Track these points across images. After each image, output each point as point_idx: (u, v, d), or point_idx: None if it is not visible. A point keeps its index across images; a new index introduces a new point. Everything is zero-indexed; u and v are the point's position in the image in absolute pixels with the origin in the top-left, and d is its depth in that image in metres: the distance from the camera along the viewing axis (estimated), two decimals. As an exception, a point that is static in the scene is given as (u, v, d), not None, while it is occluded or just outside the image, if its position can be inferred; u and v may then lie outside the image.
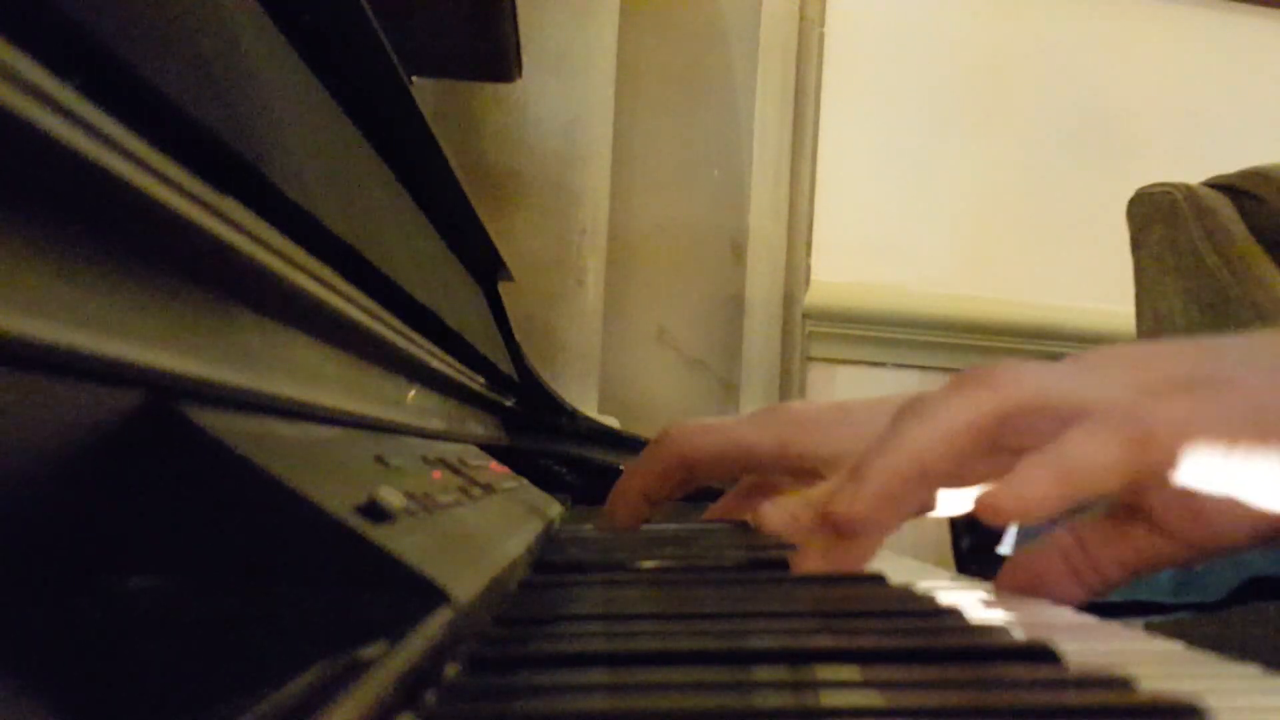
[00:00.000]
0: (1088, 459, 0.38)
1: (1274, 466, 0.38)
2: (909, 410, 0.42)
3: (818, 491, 0.47)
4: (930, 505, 0.43)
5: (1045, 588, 0.42)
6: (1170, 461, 0.38)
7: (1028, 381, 0.41)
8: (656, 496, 0.66)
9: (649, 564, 0.50)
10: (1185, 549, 0.42)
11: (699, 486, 0.67)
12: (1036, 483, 0.38)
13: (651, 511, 0.66)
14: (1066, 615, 0.38)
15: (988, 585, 0.46)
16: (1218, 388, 0.39)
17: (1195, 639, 0.31)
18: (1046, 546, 0.43)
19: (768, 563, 0.48)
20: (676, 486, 0.66)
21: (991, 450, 0.41)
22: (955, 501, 0.44)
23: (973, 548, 1.99)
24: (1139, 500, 0.41)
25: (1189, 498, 0.40)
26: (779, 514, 0.47)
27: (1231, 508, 0.40)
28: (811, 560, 0.43)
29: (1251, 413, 0.38)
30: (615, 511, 0.66)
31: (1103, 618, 0.37)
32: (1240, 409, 0.38)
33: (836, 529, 0.41)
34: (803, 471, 0.64)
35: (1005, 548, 1.87)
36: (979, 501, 0.39)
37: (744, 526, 0.69)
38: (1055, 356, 0.46)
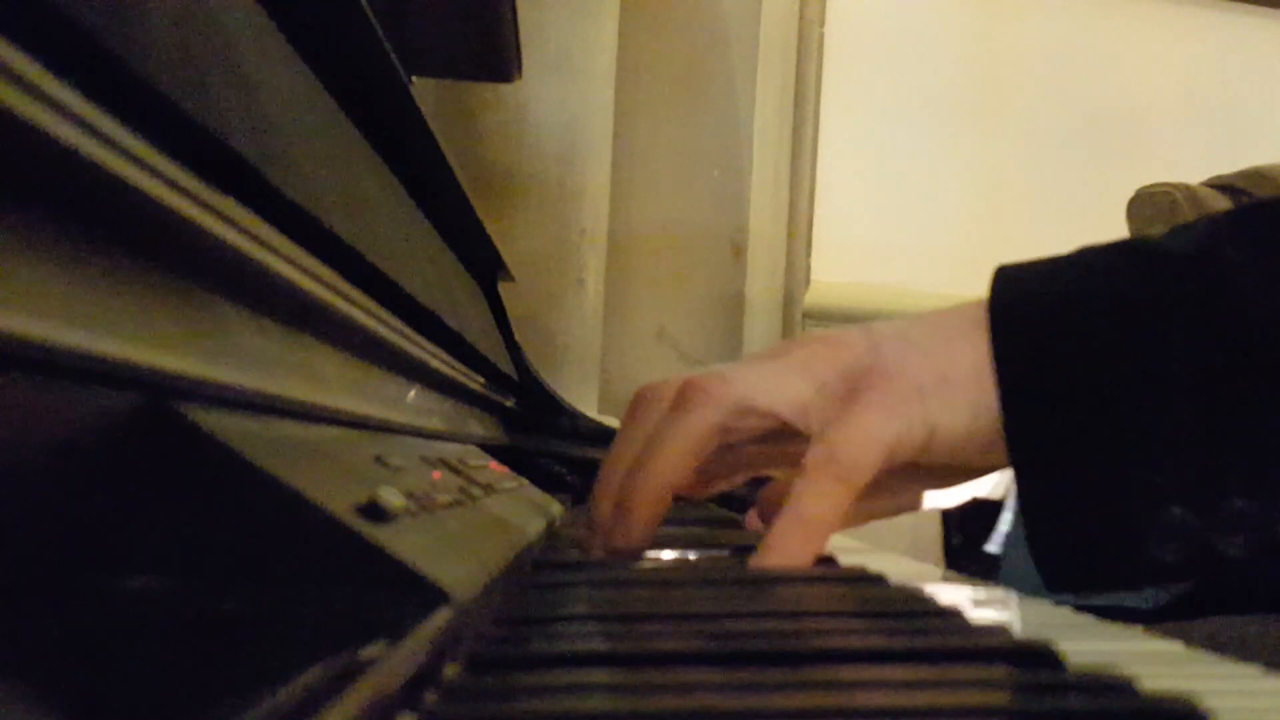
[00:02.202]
0: (820, 509, 0.47)
1: (929, 433, 0.47)
2: (643, 424, 0.51)
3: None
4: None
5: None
6: (869, 468, 0.47)
7: (733, 389, 0.49)
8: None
9: (649, 565, 0.50)
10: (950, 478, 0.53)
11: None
12: (791, 542, 0.47)
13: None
14: (1066, 615, 0.38)
15: (984, 586, 0.47)
16: (880, 383, 0.47)
17: (1196, 639, 0.31)
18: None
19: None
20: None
21: (724, 447, 0.50)
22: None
23: (963, 545, 2.00)
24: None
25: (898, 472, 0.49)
26: (586, 533, 0.53)
27: (912, 471, 0.50)
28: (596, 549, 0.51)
29: (905, 398, 0.47)
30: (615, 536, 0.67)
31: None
32: (895, 398, 0.47)
33: (628, 554, 0.49)
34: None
35: (993, 545, 1.87)
36: (751, 563, 0.47)
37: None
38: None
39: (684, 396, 0.49)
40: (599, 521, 0.51)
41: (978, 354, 0.47)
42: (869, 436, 0.47)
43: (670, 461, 0.49)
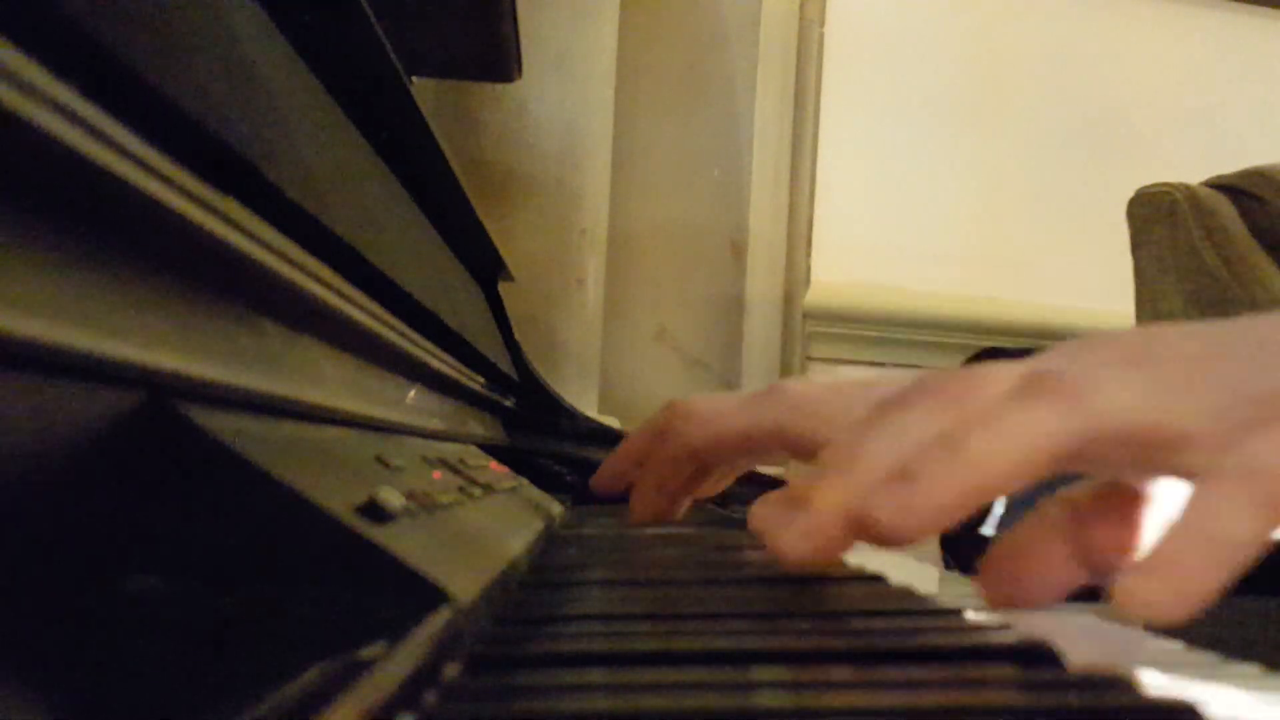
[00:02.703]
0: (1239, 536, 0.33)
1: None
2: (966, 402, 0.37)
3: (802, 486, 0.43)
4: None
5: (1039, 591, 0.39)
6: (1114, 433, 0.35)
7: (1112, 399, 0.36)
8: (673, 489, 0.66)
9: (648, 565, 0.50)
10: None
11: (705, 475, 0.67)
12: (1193, 570, 0.33)
13: (673, 504, 0.66)
14: (1066, 615, 0.38)
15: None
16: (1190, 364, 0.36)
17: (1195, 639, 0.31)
18: (1035, 526, 0.40)
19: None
20: (691, 476, 0.66)
21: (1056, 472, 0.36)
22: None
23: (958, 528, 1.98)
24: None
25: None
26: (766, 510, 0.44)
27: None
28: (791, 542, 0.38)
29: (1225, 394, 0.35)
30: (636, 511, 0.66)
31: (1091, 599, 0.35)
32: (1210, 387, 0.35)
33: (878, 538, 0.35)
34: (800, 455, 0.64)
35: (988, 528, 1.86)
36: (1121, 595, 0.33)
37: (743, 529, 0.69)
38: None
39: (1036, 386, 0.36)
40: (852, 480, 0.37)
41: None
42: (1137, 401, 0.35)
43: (1012, 451, 0.35)
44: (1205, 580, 0.32)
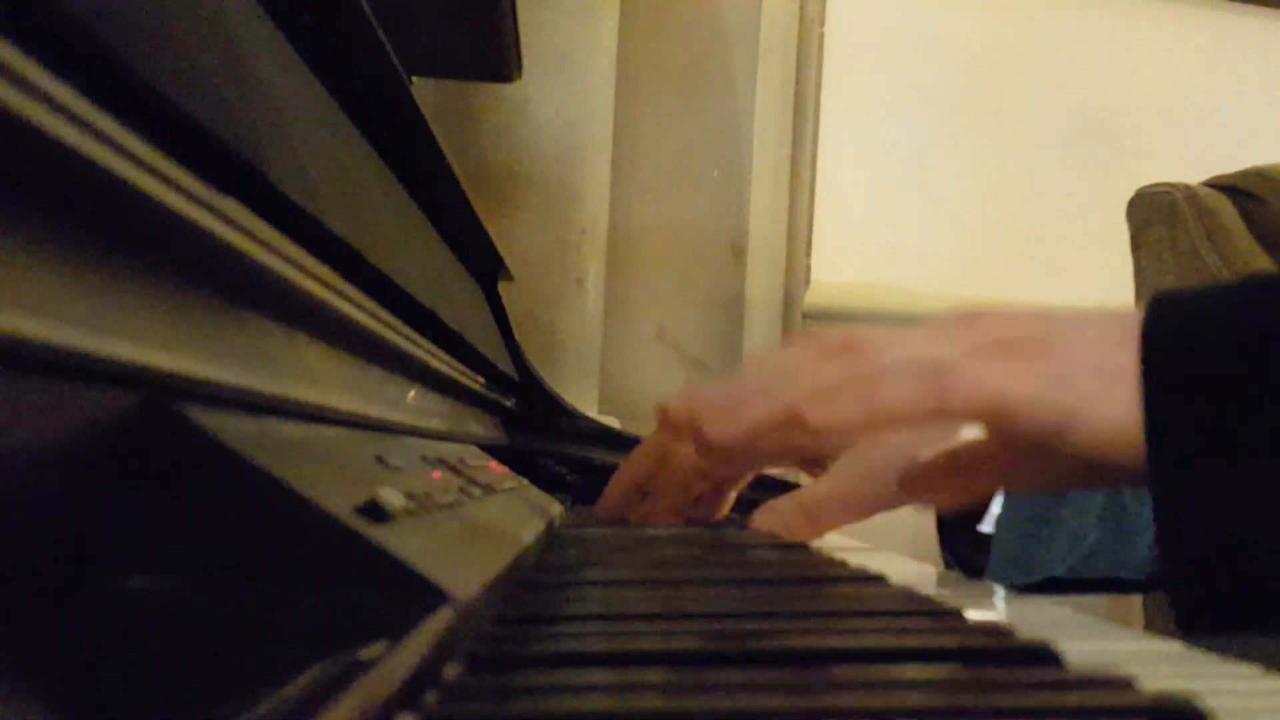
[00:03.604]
0: (891, 394, 0.45)
1: (1061, 417, 0.44)
2: (795, 363, 0.49)
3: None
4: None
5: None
6: (967, 405, 0.45)
7: (892, 350, 0.47)
8: (692, 493, 0.68)
9: (647, 565, 0.50)
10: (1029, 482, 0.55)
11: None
12: (843, 404, 0.46)
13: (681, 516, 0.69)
14: (1066, 615, 0.38)
15: (983, 587, 0.47)
16: (1035, 351, 0.45)
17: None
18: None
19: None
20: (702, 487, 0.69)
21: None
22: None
23: (956, 523, 1.99)
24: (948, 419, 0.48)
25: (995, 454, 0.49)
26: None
27: (1031, 459, 0.49)
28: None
29: (1055, 375, 0.45)
30: (612, 500, 0.68)
31: (1088, 591, 0.38)
32: (1046, 371, 0.45)
33: (805, 430, 0.47)
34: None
35: (986, 525, 1.87)
36: (791, 407, 0.46)
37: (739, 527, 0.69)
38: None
39: (845, 347, 0.48)
40: (696, 397, 0.51)
41: (1131, 357, 0.45)
42: (986, 380, 0.45)
43: (808, 394, 0.47)
44: (848, 415, 0.45)
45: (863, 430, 0.46)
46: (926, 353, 0.47)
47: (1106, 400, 0.44)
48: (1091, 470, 0.47)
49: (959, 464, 0.52)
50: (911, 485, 0.53)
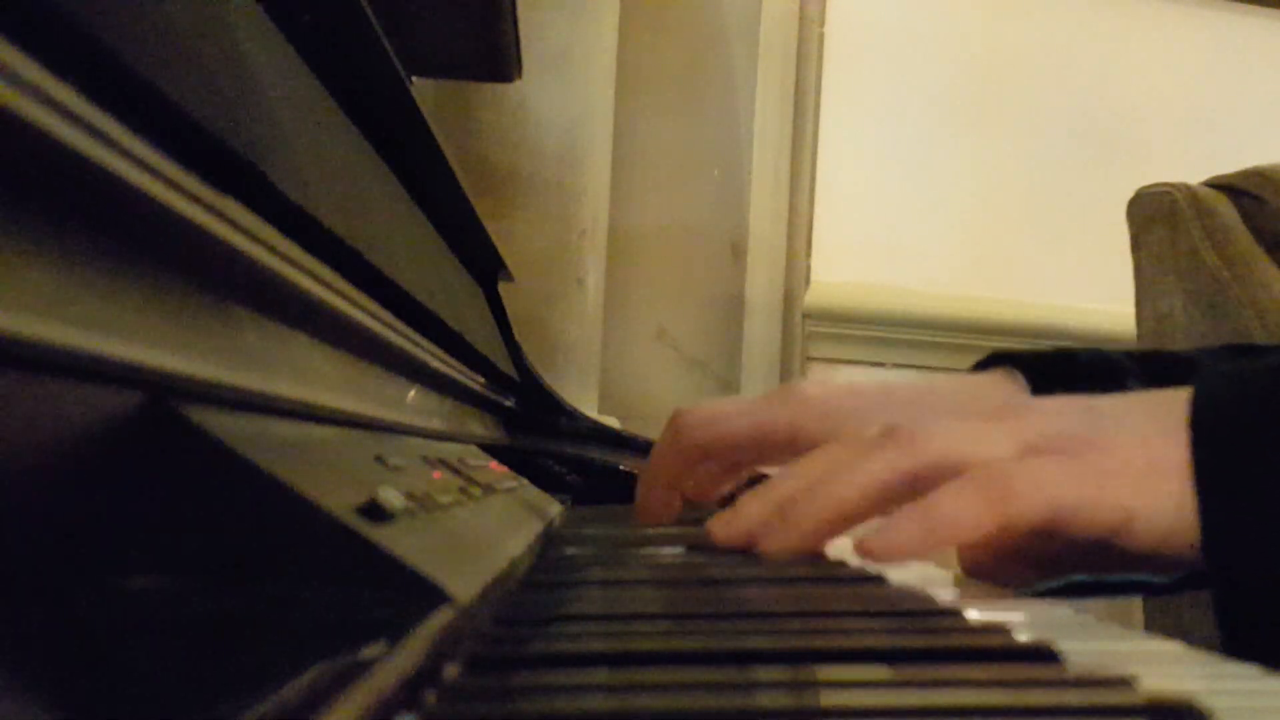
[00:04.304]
0: (952, 513, 0.44)
1: (1120, 518, 0.44)
2: (834, 456, 0.50)
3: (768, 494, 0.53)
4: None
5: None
6: (1027, 515, 0.44)
7: (936, 442, 0.47)
8: (683, 486, 0.66)
9: (647, 565, 0.50)
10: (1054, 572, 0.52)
11: (726, 474, 0.68)
12: (905, 532, 0.44)
13: (681, 504, 0.66)
14: (1066, 615, 0.38)
15: (984, 588, 0.47)
16: (1083, 449, 0.45)
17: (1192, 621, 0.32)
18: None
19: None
20: (703, 475, 0.66)
21: (905, 497, 0.47)
22: None
23: None
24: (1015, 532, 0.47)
25: (1050, 539, 0.47)
26: (723, 529, 0.51)
27: (1085, 550, 0.47)
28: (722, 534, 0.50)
29: (1108, 474, 0.45)
30: (645, 507, 0.66)
31: (1114, 594, 0.38)
32: (1098, 470, 0.45)
33: (769, 554, 0.48)
34: None
35: None
36: (856, 544, 0.45)
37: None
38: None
39: (889, 438, 0.48)
40: (745, 513, 0.50)
41: (1180, 450, 0.45)
42: (1045, 486, 0.44)
43: (856, 490, 0.47)
44: (909, 539, 0.44)
45: (925, 553, 0.45)
46: (974, 452, 0.46)
47: (1159, 498, 0.44)
48: (1147, 560, 0.47)
49: (1016, 553, 0.50)
50: (978, 573, 0.52)
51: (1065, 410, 0.48)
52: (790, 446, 0.64)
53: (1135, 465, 0.45)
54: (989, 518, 0.44)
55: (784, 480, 0.51)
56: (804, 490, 0.48)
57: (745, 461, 0.67)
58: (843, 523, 0.48)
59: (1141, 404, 0.48)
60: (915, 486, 0.47)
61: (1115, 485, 0.45)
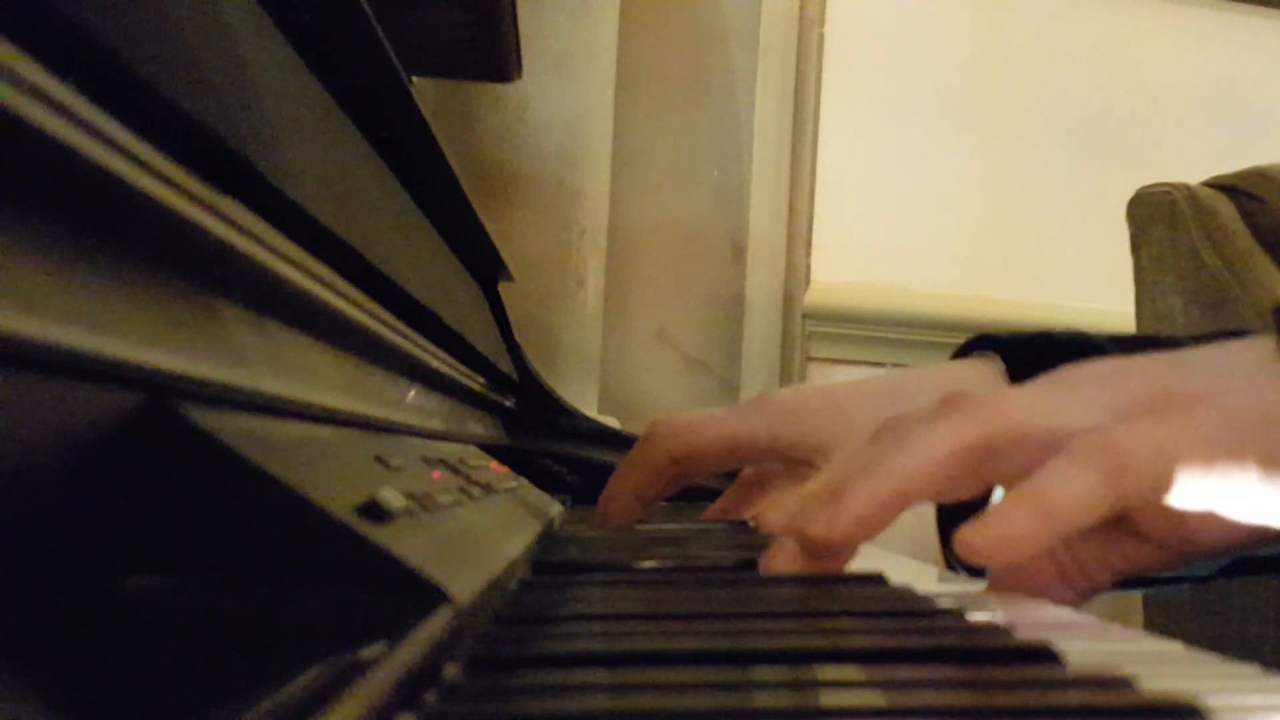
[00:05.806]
0: (1067, 495, 0.38)
1: (1245, 476, 0.39)
2: (892, 431, 0.42)
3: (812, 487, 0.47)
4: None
5: (1036, 592, 0.43)
6: (1147, 486, 0.39)
7: (1009, 409, 0.41)
8: (649, 495, 0.66)
9: (648, 564, 0.50)
10: (1168, 555, 0.43)
11: (692, 483, 0.67)
12: (1016, 522, 0.38)
13: (645, 511, 0.66)
14: (1066, 615, 0.38)
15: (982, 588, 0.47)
16: (1188, 405, 0.39)
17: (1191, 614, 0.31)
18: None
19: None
20: (669, 484, 0.66)
21: (972, 477, 0.42)
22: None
23: (955, 512, 1.99)
24: (1123, 513, 0.41)
25: (1170, 512, 0.40)
26: (778, 516, 0.48)
27: (1209, 519, 0.40)
28: (782, 562, 0.43)
29: (1221, 427, 0.39)
30: (608, 512, 0.66)
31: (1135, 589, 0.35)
32: (1209, 425, 0.39)
33: (814, 551, 0.42)
34: (795, 460, 0.64)
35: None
36: (958, 541, 0.38)
37: (742, 526, 0.69)
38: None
39: (951, 405, 0.41)
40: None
41: None
42: (1164, 447, 0.38)
43: (918, 463, 0.40)
44: (1023, 529, 0.37)
45: (1042, 545, 0.38)
46: (1061, 421, 0.40)
47: None
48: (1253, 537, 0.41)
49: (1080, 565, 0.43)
50: (1015, 584, 0.44)
51: (1150, 367, 0.42)
52: (770, 453, 0.64)
53: (1250, 415, 0.39)
54: (1107, 495, 0.38)
55: (841, 462, 0.44)
56: (859, 468, 0.42)
57: (719, 471, 0.68)
58: (901, 502, 0.41)
59: (1227, 353, 0.42)
60: (986, 462, 0.41)
61: (1233, 435, 0.38)
